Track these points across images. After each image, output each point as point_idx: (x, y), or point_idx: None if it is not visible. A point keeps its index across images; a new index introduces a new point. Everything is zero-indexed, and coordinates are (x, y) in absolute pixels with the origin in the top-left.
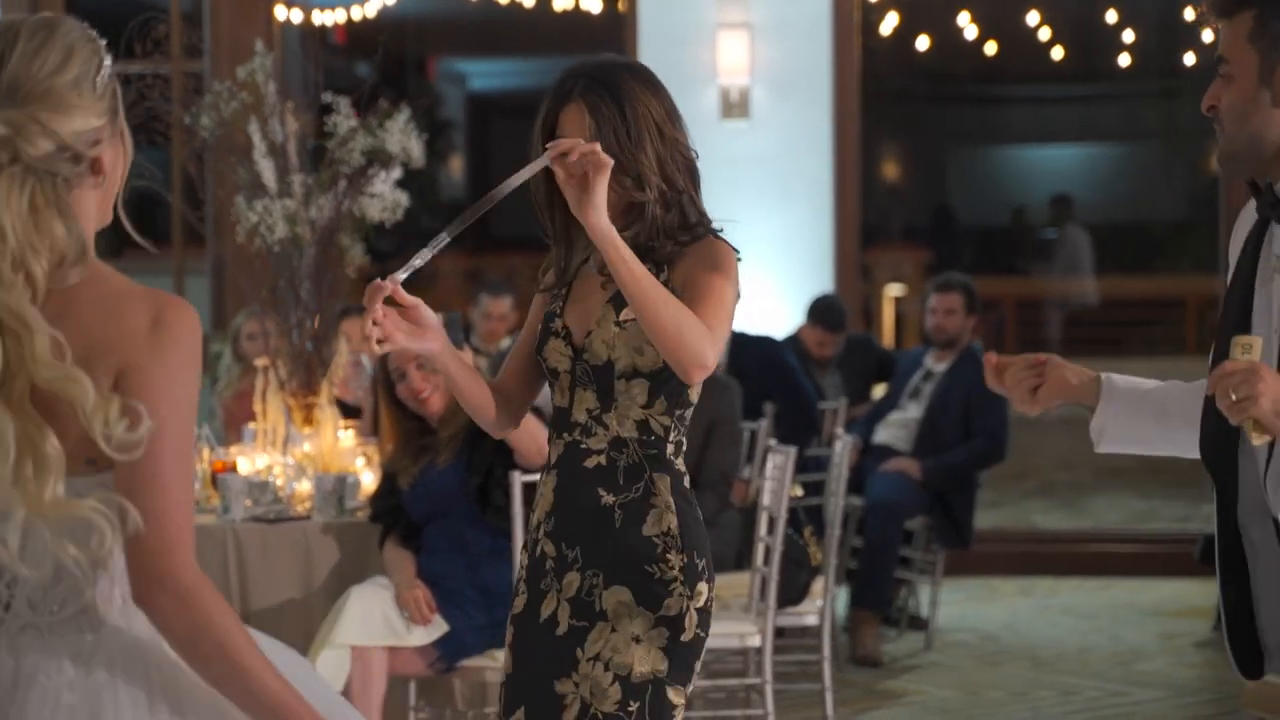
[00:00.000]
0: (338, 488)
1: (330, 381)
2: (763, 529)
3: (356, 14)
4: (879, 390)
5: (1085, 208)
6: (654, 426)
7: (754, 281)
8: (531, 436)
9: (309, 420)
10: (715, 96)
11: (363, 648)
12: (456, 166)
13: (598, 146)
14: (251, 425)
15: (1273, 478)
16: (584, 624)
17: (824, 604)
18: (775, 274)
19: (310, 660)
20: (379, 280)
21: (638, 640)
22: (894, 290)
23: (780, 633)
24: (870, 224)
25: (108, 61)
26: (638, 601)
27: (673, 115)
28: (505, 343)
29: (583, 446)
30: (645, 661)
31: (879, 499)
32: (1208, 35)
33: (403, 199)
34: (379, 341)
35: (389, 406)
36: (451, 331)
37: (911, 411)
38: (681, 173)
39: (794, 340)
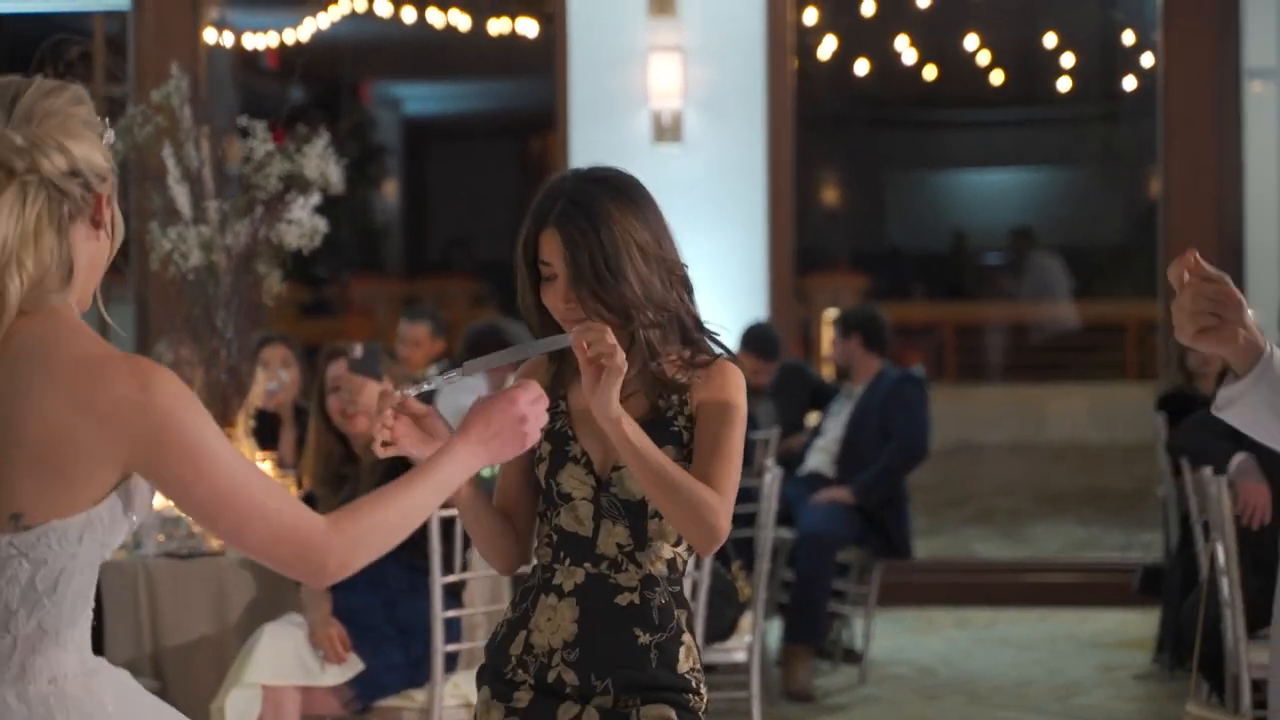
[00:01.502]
0: None
1: (247, 413)
2: (690, 564)
3: (290, 38)
4: (814, 418)
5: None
6: (678, 564)
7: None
8: None
9: None
10: (647, 120)
11: (274, 687)
12: (391, 191)
13: (617, 351)
14: None
15: None
16: None
17: (753, 639)
18: (709, 300)
19: (220, 700)
20: (389, 389)
21: None
22: (833, 316)
23: (708, 669)
24: (809, 249)
25: (110, 133)
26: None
27: (658, 232)
28: (432, 370)
29: (611, 582)
30: None
31: (810, 530)
32: (1147, 59)
33: (321, 225)
34: (385, 444)
35: (317, 419)
36: (371, 363)
37: (832, 433)
38: (672, 289)
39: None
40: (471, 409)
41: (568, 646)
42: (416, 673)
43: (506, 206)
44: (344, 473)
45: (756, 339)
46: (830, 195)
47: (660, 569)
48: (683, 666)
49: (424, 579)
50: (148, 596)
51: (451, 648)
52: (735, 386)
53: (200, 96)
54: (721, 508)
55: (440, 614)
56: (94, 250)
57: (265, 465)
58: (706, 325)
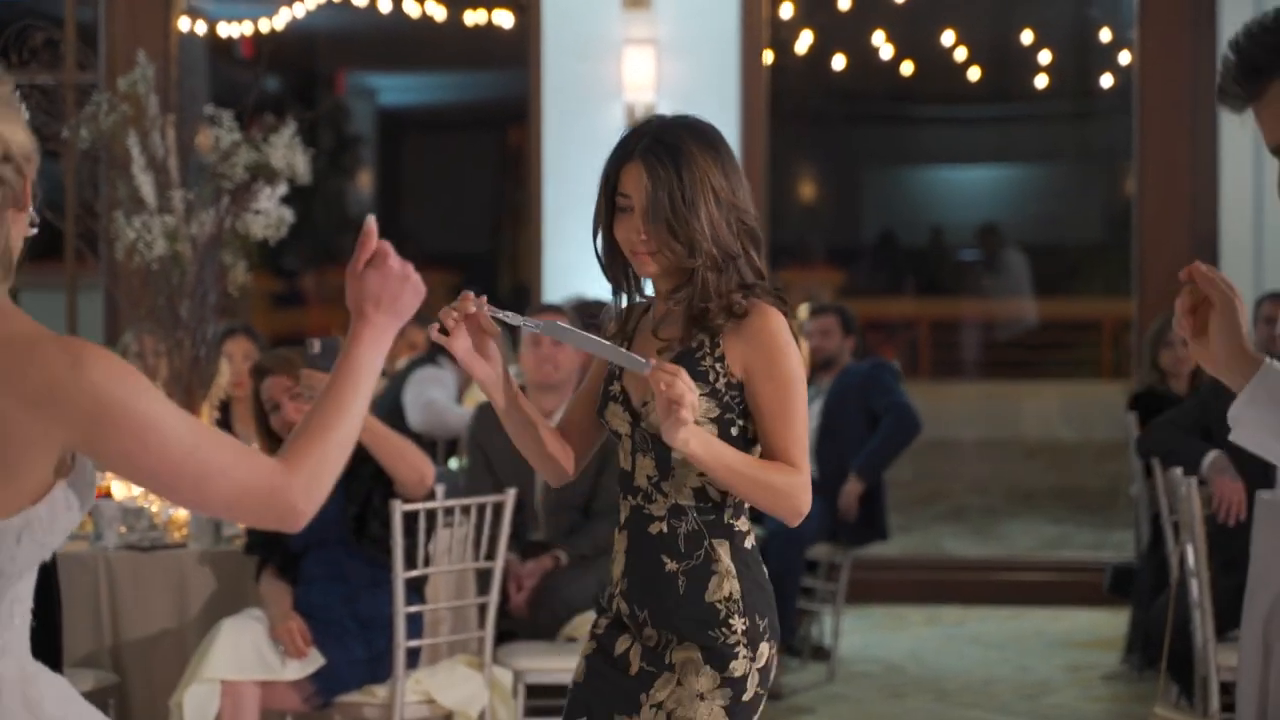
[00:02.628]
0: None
1: (211, 404)
2: None
3: (264, 26)
4: None
5: (1001, 229)
6: (710, 493)
7: None
8: (412, 466)
9: None
10: (620, 113)
11: (233, 682)
12: (366, 181)
13: (687, 400)
14: None
15: None
16: (653, 670)
17: None
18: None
19: (179, 695)
20: (470, 293)
21: (701, 698)
22: (806, 312)
23: None
24: (785, 244)
25: (25, 111)
26: (705, 660)
27: (733, 179)
28: (401, 363)
29: (645, 512)
30: (707, 719)
31: (779, 526)
32: (1124, 57)
33: (288, 215)
34: (441, 331)
35: (262, 437)
36: (330, 358)
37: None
38: (739, 237)
39: None
40: (352, 296)
41: (623, 576)
42: (378, 668)
43: (482, 197)
44: None
45: None
46: (806, 190)
47: (686, 498)
48: (713, 595)
49: (385, 573)
50: (108, 589)
51: (414, 643)
52: (779, 335)
53: (168, 85)
54: (801, 483)
55: (403, 609)
56: (19, 232)
57: None
58: (767, 280)
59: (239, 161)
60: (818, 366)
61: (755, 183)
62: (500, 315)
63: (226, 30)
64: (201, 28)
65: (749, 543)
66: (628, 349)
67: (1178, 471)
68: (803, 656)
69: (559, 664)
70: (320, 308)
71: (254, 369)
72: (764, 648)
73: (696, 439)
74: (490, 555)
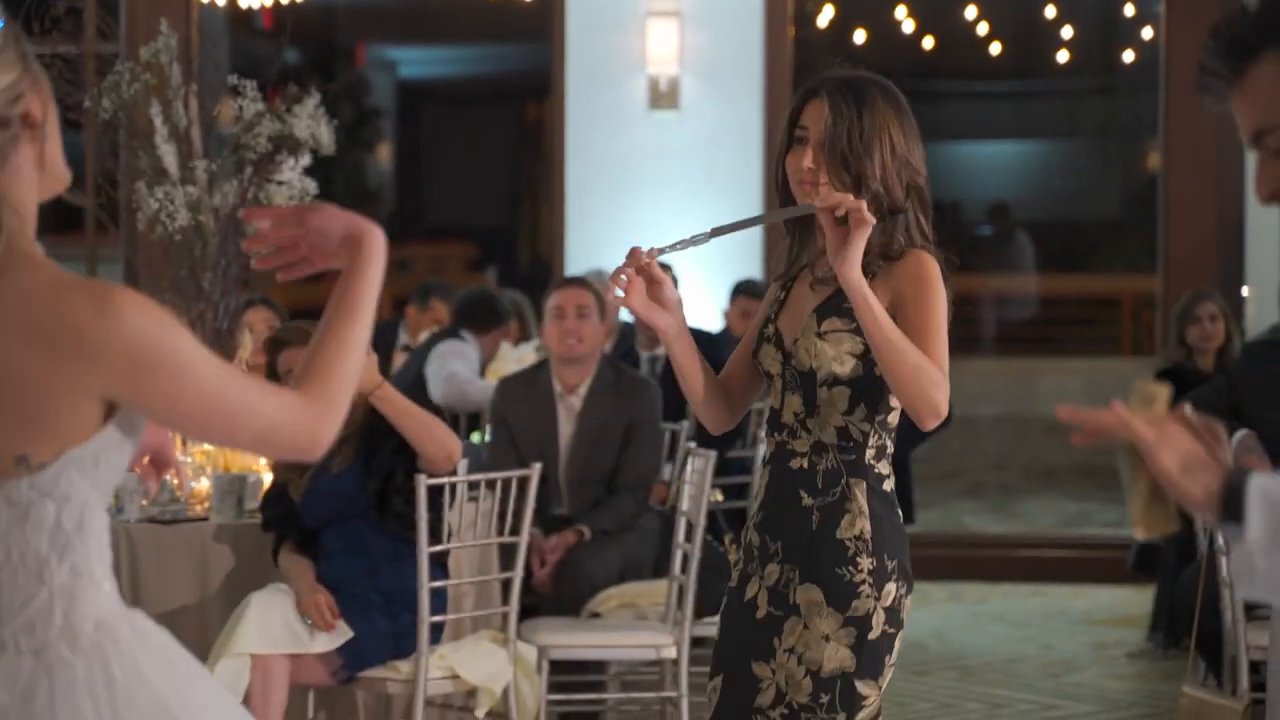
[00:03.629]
0: (237, 487)
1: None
2: (681, 535)
3: None
4: None
5: (1022, 205)
6: (853, 433)
7: (682, 276)
8: (439, 443)
9: None
10: (644, 86)
11: (263, 656)
12: (385, 154)
13: (864, 205)
14: None
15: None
16: (780, 614)
17: None
18: (704, 268)
19: (209, 669)
20: (638, 247)
21: (827, 639)
22: None
23: (698, 643)
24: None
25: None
26: (828, 601)
27: (910, 139)
28: (424, 336)
29: (789, 448)
30: (834, 659)
31: None
32: (1148, 32)
33: (311, 187)
34: (618, 295)
35: None
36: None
37: None
38: (908, 194)
39: (727, 335)
40: (324, 236)
41: (760, 508)
42: (402, 642)
43: (501, 171)
44: None
45: (750, 285)
46: None
47: (829, 436)
48: (845, 532)
49: (407, 548)
50: (128, 563)
51: (437, 618)
52: (933, 273)
53: (190, 55)
54: (944, 384)
55: (426, 583)
56: (38, 151)
57: None
58: (929, 240)
59: (262, 132)
60: None
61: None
62: (670, 249)
63: (246, 2)
64: None
65: (887, 485)
66: (785, 299)
67: None
68: None
69: (583, 640)
70: (331, 281)
71: (269, 341)
72: (890, 587)
73: (866, 285)
74: (515, 530)
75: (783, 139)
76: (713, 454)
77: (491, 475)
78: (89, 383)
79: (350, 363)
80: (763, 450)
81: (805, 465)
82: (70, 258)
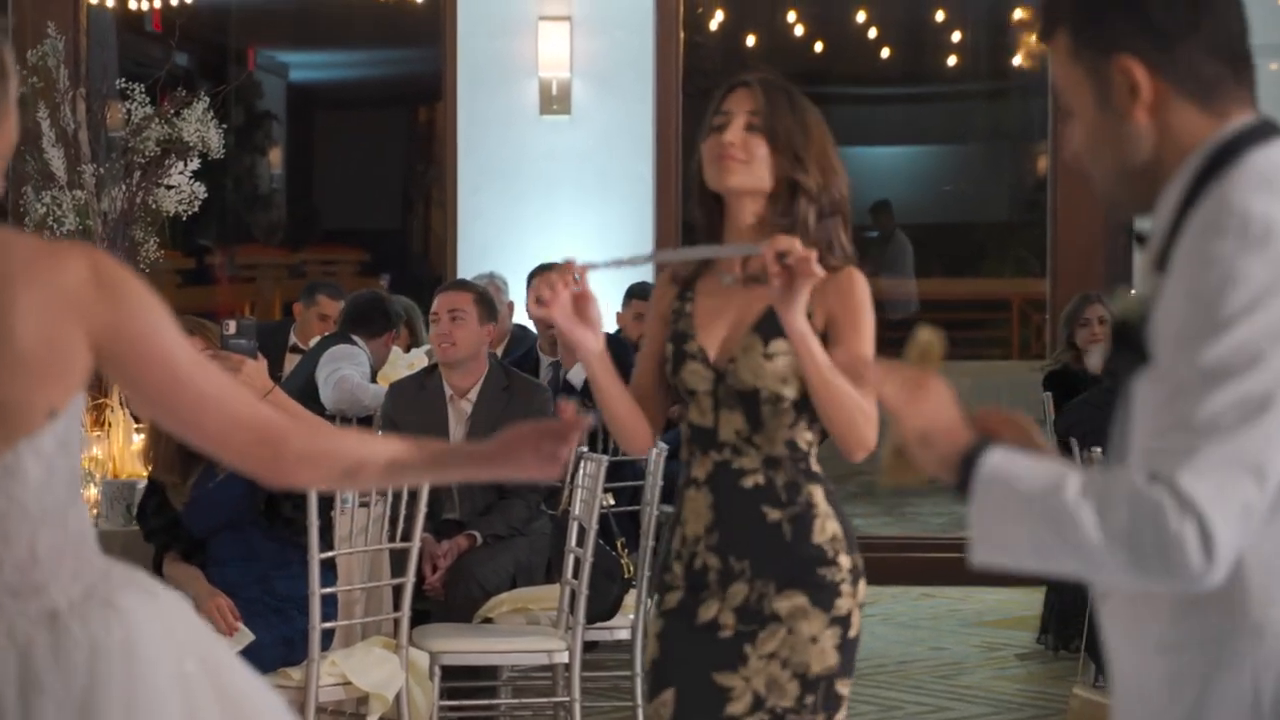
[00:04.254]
0: (126, 494)
1: None
2: (573, 540)
3: (175, 0)
4: None
5: (911, 209)
6: (800, 442)
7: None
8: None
9: (98, 422)
10: (535, 90)
11: None
12: (276, 159)
13: (814, 256)
14: None
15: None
16: (753, 627)
17: (636, 618)
18: (595, 272)
19: None
20: (571, 260)
21: (815, 640)
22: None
23: (591, 648)
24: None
25: None
26: (813, 603)
27: (835, 152)
28: (314, 340)
29: (735, 466)
30: (821, 661)
31: None
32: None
33: (200, 190)
34: (540, 303)
35: None
36: (246, 341)
37: None
38: (838, 194)
39: (618, 338)
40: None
41: (709, 531)
42: (292, 649)
43: (392, 175)
44: (191, 452)
45: (644, 291)
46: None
47: (780, 449)
48: (819, 536)
49: (296, 552)
50: None
51: (328, 625)
52: (863, 295)
53: (78, 58)
54: (875, 415)
55: (318, 590)
56: None
57: (140, 438)
58: (856, 260)
59: (151, 136)
60: None
61: (670, 162)
62: (606, 266)
63: (136, 4)
64: (111, 1)
65: (831, 485)
66: (693, 310)
67: (1097, 451)
68: None
69: (475, 645)
70: (228, 286)
71: None
72: (861, 585)
73: (810, 331)
74: (406, 536)
75: (704, 129)
76: (605, 459)
77: None
78: (82, 339)
79: (365, 470)
80: (654, 455)
81: (762, 482)
82: None
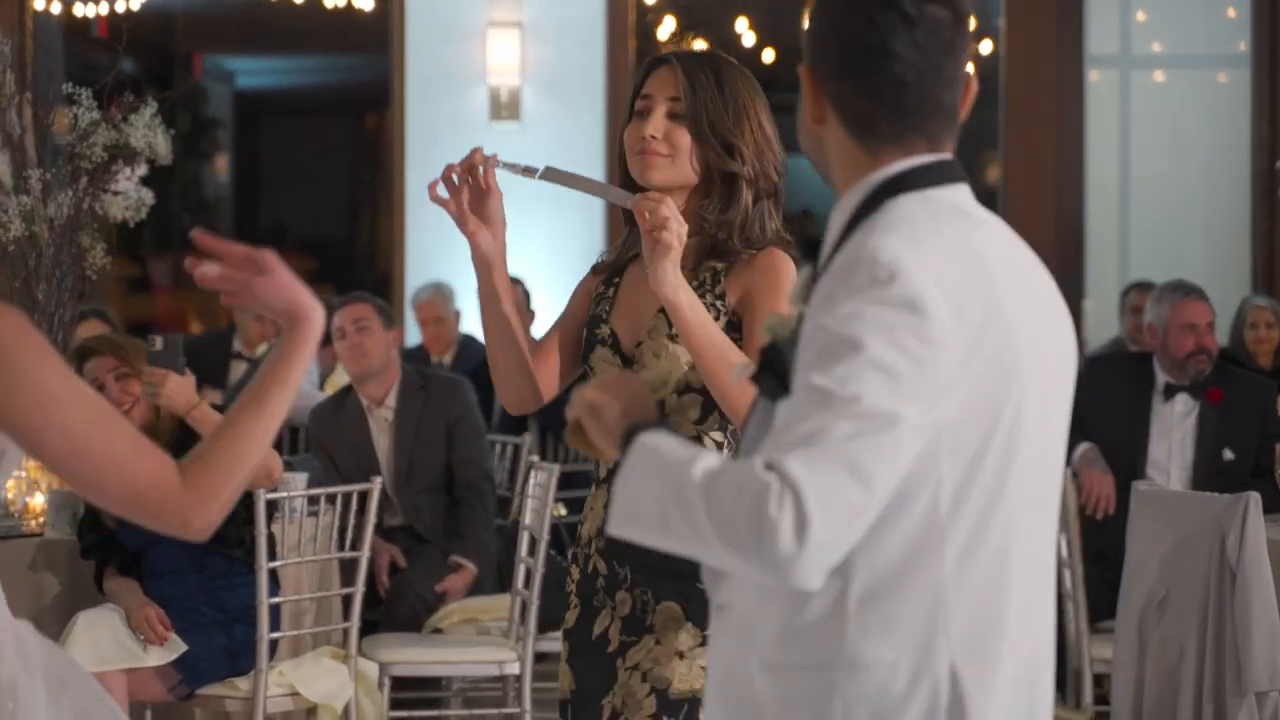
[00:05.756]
0: (72, 503)
1: None
2: (524, 550)
3: (120, 7)
4: None
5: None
6: (706, 444)
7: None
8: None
9: None
10: (484, 97)
11: (98, 674)
12: (222, 166)
13: (671, 225)
14: None
15: None
16: (633, 639)
17: None
18: (545, 281)
19: None
20: (479, 148)
21: (681, 656)
22: None
23: (541, 658)
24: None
25: None
26: (687, 616)
27: (771, 121)
28: (262, 347)
29: None
30: (684, 679)
31: None
32: (985, 46)
33: (148, 197)
34: (441, 193)
35: None
36: (172, 355)
37: None
38: (774, 172)
39: None
40: (269, 302)
41: (600, 534)
42: (239, 660)
43: (340, 183)
44: None
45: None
46: None
47: None
48: None
49: (239, 563)
50: None
51: (275, 635)
52: (782, 275)
53: (24, 63)
54: None
55: (265, 600)
56: None
57: None
58: (788, 236)
59: (98, 141)
60: None
61: (618, 167)
62: (508, 165)
63: (82, 10)
64: (56, 6)
65: None
66: (615, 296)
67: None
68: None
69: (425, 655)
70: (167, 293)
71: (77, 350)
72: None
73: (686, 291)
74: (355, 545)
75: (626, 112)
76: (556, 468)
77: (332, 490)
78: None
79: (243, 454)
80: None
81: None
82: None
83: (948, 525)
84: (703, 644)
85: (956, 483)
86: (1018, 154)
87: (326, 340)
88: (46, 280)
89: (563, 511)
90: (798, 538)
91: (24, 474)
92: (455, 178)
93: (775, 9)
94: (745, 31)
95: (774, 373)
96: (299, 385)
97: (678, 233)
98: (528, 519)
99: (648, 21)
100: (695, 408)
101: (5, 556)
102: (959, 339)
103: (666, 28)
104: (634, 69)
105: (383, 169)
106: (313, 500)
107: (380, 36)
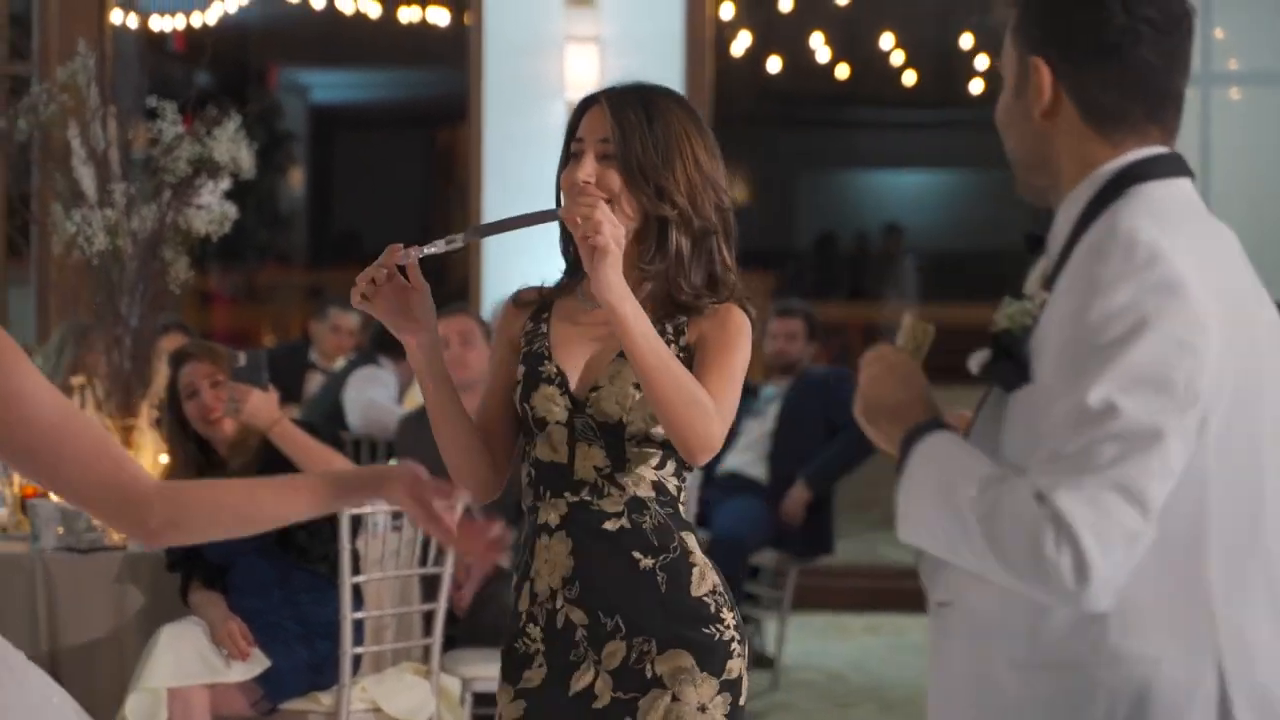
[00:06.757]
0: None
1: (151, 403)
2: None
3: (196, 21)
4: None
5: (935, 234)
6: (668, 486)
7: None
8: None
9: (128, 443)
10: (562, 112)
11: (181, 689)
12: (297, 179)
13: (605, 228)
14: None
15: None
16: (632, 694)
17: None
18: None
19: (122, 707)
20: (397, 245)
21: (703, 710)
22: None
23: None
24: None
25: None
26: (701, 666)
27: (712, 154)
28: (340, 362)
29: (594, 508)
30: None
31: (724, 532)
32: None
33: (231, 211)
34: (364, 297)
35: (171, 427)
36: (255, 371)
37: (755, 431)
38: (713, 211)
39: None
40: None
41: (567, 583)
42: (322, 674)
43: (412, 197)
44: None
45: None
46: (739, 193)
47: (646, 491)
48: (699, 589)
49: (323, 579)
50: (45, 592)
51: (358, 650)
52: (742, 327)
53: (105, 76)
54: (717, 416)
55: (349, 615)
56: None
57: (165, 460)
58: (735, 277)
59: (182, 155)
60: (779, 369)
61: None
62: (428, 250)
63: (159, 24)
64: (134, 21)
65: (700, 534)
66: (548, 330)
67: None
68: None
69: None
70: (238, 305)
71: (174, 355)
72: (746, 644)
73: (632, 302)
74: (438, 560)
75: (561, 158)
76: None
77: None
78: None
79: (231, 502)
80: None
81: (628, 524)
82: None
83: (1211, 518)
84: (720, 692)
85: (1221, 476)
86: None
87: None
88: (129, 293)
89: None
90: (1079, 578)
91: None
92: (377, 278)
93: (851, 25)
94: (820, 47)
95: (1011, 361)
96: (293, 515)
97: (614, 235)
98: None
99: (724, 37)
100: (655, 456)
101: (89, 570)
102: (1217, 324)
103: (742, 43)
104: (712, 85)
105: (456, 182)
106: (396, 515)
107: (454, 50)
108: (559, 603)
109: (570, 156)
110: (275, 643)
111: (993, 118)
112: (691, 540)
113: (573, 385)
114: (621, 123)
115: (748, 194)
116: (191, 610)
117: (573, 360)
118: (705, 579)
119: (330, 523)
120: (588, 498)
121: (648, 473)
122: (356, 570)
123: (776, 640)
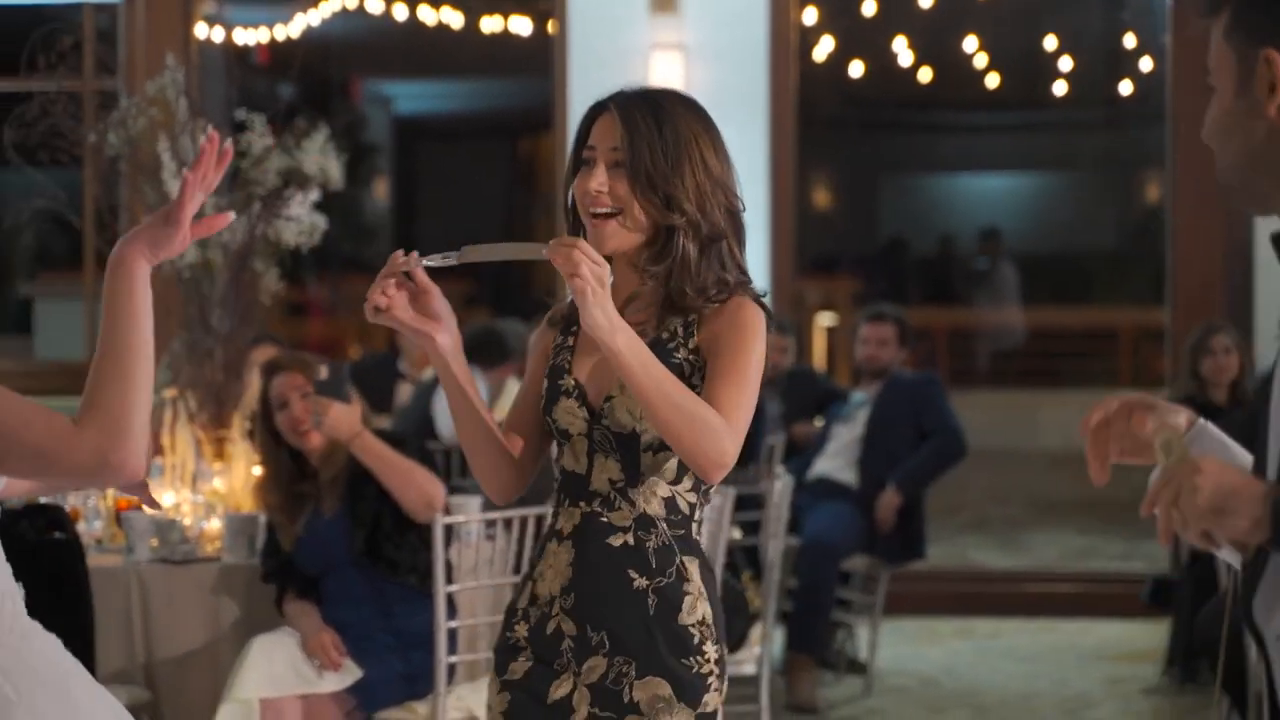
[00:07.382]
0: (249, 527)
1: (243, 414)
2: None
3: (280, 34)
4: (818, 423)
5: (1019, 238)
6: (681, 504)
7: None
8: (419, 490)
9: (220, 455)
10: None
11: (273, 700)
12: (381, 190)
13: (584, 266)
14: (159, 460)
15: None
16: (609, 714)
17: (762, 651)
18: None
19: (216, 718)
20: (399, 252)
21: None
22: (825, 320)
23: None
24: (802, 251)
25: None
26: (678, 696)
27: (722, 156)
28: (429, 372)
29: (604, 520)
30: None
31: (815, 537)
32: (1146, 63)
33: (320, 222)
34: (377, 310)
35: (264, 438)
36: (337, 384)
37: (845, 436)
38: (723, 216)
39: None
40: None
41: (564, 592)
42: (416, 684)
43: (497, 207)
44: (300, 491)
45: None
46: (822, 197)
47: (656, 508)
48: (687, 618)
49: (414, 590)
50: (140, 604)
51: (453, 659)
52: (755, 320)
53: (192, 89)
54: (728, 432)
55: (444, 624)
56: None
57: (259, 471)
58: (748, 279)
59: (271, 167)
60: (870, 374)
61: (784, 191)
62: (427, 263)
63: (243, 37)
64: (219, 34)
65: (710, 560)
66: (574, 343)
67: None
68: (839, 670)
69: None
70: (326, 317)
71: (265, 366)
72: (725, 678)
73: (624, 334)
74: (519, 491)
75: (570, 164)
76: (731, 491)
77: (508, 514)
78: None
79: (135, 378)
80: (779, 486)
81: (631, 541)
82: (71, 295)
83: None
84: None
85: None
86: (1185, 172)
87: (498, 361)
88: (220, 305)
89: (737, 535)
90: None
91: (201, 499)
92: (387, 290)
93: (934, 29)
94: (903, 51)
95: None
96: (146, 302)
97: (595, 274)
98: (704, 541)
99: (806, 42)
100: (671, 467)
101: (184, 581)
102: None
103: (824, 48)
104: (795, 90)
105: (541, 192)
106: (489, 524)
107: (537, 60)
108: (554, 609)
109: (581, 164)
110: (368, 654)
111: (1076, 118)
112: (693, 567)
113: (590, 397)
114: (631, 130)
115: (829, 199)
116: (286, 621)
117: (589, 372)
118: (696, 609)
119: (418, 534)
120: (599, 509)
121: (661, 487)
122: (450, 580)
123: (869, 646)
